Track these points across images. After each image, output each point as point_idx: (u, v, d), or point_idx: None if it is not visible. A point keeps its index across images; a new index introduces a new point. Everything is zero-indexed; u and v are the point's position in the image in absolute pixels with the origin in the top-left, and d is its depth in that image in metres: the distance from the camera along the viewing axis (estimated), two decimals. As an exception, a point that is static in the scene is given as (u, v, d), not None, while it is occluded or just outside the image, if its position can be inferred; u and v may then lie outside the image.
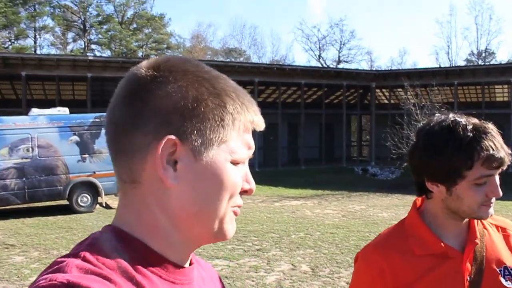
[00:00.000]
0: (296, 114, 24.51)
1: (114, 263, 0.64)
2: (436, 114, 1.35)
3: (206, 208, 0.69)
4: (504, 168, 1.24)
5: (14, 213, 11.49)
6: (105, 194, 11.96)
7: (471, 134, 1.21)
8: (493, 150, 1.19)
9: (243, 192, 0.73)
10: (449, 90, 22.86)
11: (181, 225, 0.70)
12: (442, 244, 1.28)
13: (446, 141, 1.23)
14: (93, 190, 11.80)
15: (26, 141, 11.13)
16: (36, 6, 41.04)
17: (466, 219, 1.32)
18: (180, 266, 0.72)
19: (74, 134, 11.63)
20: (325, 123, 24.87)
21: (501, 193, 1.24)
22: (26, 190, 11.09)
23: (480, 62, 44.31)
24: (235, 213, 0.73)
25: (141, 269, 0.66)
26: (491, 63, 41.28)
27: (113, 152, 0.70)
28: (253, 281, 6.06)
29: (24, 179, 11.07)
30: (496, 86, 24.82)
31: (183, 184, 0.68)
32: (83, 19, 43.10)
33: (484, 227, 1.36)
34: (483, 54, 46.60)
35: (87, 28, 43.39)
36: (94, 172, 11.77)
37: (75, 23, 43.89)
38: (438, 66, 37.11)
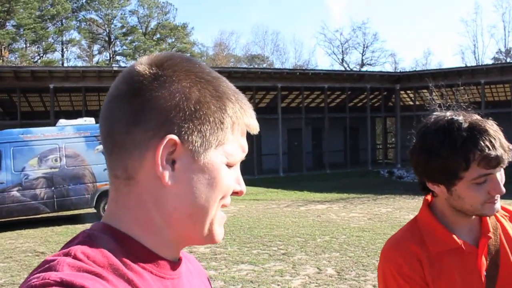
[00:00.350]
0: (320, 119, 24.39)
1: (105, 260, 0.64)
2: (434, 113, 1.32)
3: (201, 209, 0.70)
4: (504, 165, 1.21)
5: (44, 222, 11.75)
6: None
7: (465, 134, 1.18)
8: (489, 149, 1.16)
9: (234, 193, 0.74)
10: (475, 89, 22.41)
11: (174, 224, 0.70)
12: (457, 239, 1.26)
13: (441, 142, 1.21)
14: (119, 198, 11.95)
15: (54, 151, 11.38)
16: (63, 20, 42.16)
17: None
18: (170, 262, 0.72)
19: (100, 143, 11.81)
20: (350, 127, 24.68)
21: (503, 190, 1.21)
22: (55, 199, 11.33)
23: (508, 60, 43.30)
24: (223, 219, 0.74)
25: (132, 265, 0.66)
26: (520, 61, 40.27)
27: (109, 148, 0.70)
28: (278, 285, 6.04)
29: (53, 188, 11.32)
30: (525, 84, 24.21)
31: (180, 184, 0.68)
32: (108, 31, 44.05)
33: (498, 220, 1.33)
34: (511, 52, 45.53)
35: (112, 40, 44.32)
36: (120, 180, 11.93)
37: (100, 35, 44.90)
38: (464, 65, 36.43)
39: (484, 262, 1.25)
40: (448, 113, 1.27)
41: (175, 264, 0.73)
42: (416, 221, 1.36)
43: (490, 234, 1.27)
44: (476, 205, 1.21)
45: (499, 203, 1.24)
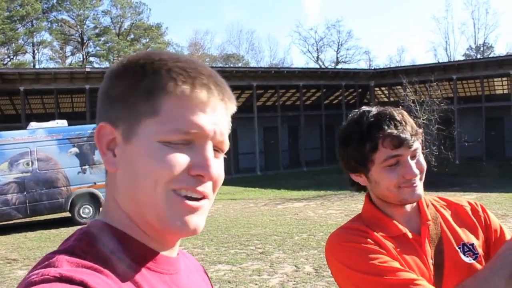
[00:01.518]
0: (296, 117, 24.49)
1: (102, 256, 0.65)
2: (353, 111, 1.38)
3: (141, 192, 0.67)
4: (413, 148, 1.24)
5: (16, 228, 11.48)
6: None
7: (372, 120, 1.25)
8: (391, 129, 1.22)
9: (198, 176, 0.67)
10: (448, 85, 22.80)
11: (129, 212, 0.70)
12: (400, 226, 1.28)
13: (352, 131, 1.28)
14: (94, 201, 11.77)
15: (25, 155, 11.12)
16: (34, 21, 41.25)
17: (413, 205, 1.32)
18: (168, 257, 0.72)
19: (74, 146, 11.62)
20: (325, 124, 24.84)
21: (416, 173, 1.24)
22: (27, 204, 11.07)
23: (478, 56, 44.26)
24: (184, 204, 0.67)
25: (128, 261, 0.67)
26: (490, 56, 41.24)
27: None
28: (256, 284, 6.02)
29: (25, 193, 11.06)
30: (495, 79, 24.76)
31: (122, 169, 0.69)
32: (80, 32, 43.32)
33: (437, 210, 1.36)
34: (481, 48, 46.59)
35: (85, 41, 43.60)
36: (95, 183, 11.75)
37: (72, 36, 44.13)
38: (436, 62, 37.05)
39: (428, 249, 1.26)
40: (363, 107, 1.34)
41: (173, 259, 0.74)
42: (360, 215, 1.38)
43: (429, 223, 1.29)
44: (391, 188, 1.24)
45: (420, 189, 1.26)
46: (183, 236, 0.71)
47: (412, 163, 1.25)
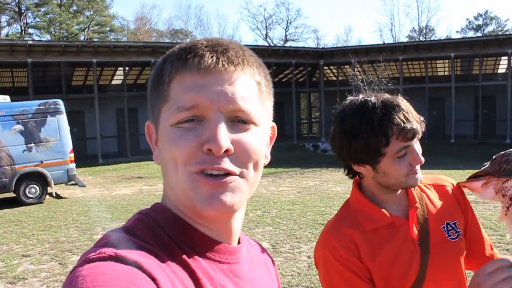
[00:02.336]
0: (247, 94, 24.46)
1: (159, 238, 0.67)
2: (347, 98, 1.38)
3: (168, 178, 0.70)
4: (419, 136, 1.29)
5: (-43, 209, 10.90)
6: (55, 184, 11.54)
7: (380, 112, 1.25)
8: (404, 123, 1.24)
9: (209, 151, 0.65)
10: (394, 65, 23.50)
11: (173, 200, 0.72)
12: (388, 215, 1.33)
13: (359, 123, 1.26)
14: (41, 180, 11.35)
15: (-35, 133, 10.52)
16: (-36, -12, 38.47)
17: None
18: (227, 246, 0.72)
19: (18, 123, 11.09)
20: (275, 102, 24.52)
21: (422, 160, 1.29)
22: (-32, 184, 10.53)
23: (421, 38, 45.75)
24: (204, 182, 0.66)
25: (185, 247, 0.68)
26: (432, 39, 42.72)
27: None
28: (214, 261, 6.07)
29: (-35, 172, 10.50)
30: (437, 61, 25.75)
31: (160, 160, 0.73)
32: (17, 1, 40.82)
33: (422, 190, 1.42)
34: (424, 31, 48.15)
35: (22, 11, 41.17)
36: (42, 162, 11.31)
37: (8, 5, 41.52)
38: (382, 42, 38.02)
39: (415, 231, 1.32)
40: (360, 96, 1.34)
41: (233, 248, 0.73)
42: (348, 203, 1.42)
43: (417, 205, 1.36)
44: (401, 177, 1.28)
45: (420, 173, 1.32)
46: (217, 216, 0.68)
47: (418, 148, 1.30)
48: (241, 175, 0.68)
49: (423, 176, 1.48)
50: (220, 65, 0.67)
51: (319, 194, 10.86)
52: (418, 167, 1.31)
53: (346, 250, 1.29)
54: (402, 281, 1.29)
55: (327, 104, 24.09)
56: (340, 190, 11.24)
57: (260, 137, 0.71)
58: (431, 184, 1.46)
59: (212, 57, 0.68)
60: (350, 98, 1.37)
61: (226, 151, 0.65)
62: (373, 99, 1.29)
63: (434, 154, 17.53)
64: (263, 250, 0.90)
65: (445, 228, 1.36)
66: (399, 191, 1.36)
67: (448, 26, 74.02)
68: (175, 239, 0.68)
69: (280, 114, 27.09)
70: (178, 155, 0.66)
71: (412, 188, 1.38)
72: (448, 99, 23.20)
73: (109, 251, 0.60)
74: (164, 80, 0.69)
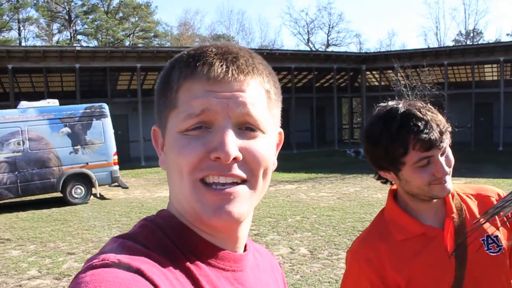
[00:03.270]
0: (287, 99, 24.43)
1: (163, 245, 0.66)
2: (379, 104, 1.37)
3: (173, 185, 0.70)
4: (442, 147, 1.25)
5: (8, 208, 11.40)
6: (99, 185, 11.89)
7: (400, 121, 1.24)
8: (421, 133, 1.21)
9: (217, 159, 0.65)
10: (439, 70, 22.92)
11: (177, 207, 0.72)
12: (419, 225, 1.30)
13: (380, 131, 1.27)
14: (86, 181, 11.71)
15: (16, 135, 11.00)
16: (19, -3, 40.31)
17: None
18: (232, 253, 0.72)
19: (65, 125, 11.51)
20: (316, 107, 24.87)
21: (447, 171, 1.26)
22: (18, 184, 10.99)
23: (468, 42, 44.42)
24: (209, 190, 0.65)
25: (189, 255, 0.67)
26: (479, 42, 41.37)
27: None
28: (252, 265, 6.07)
29: (16, 173, 10.97)
30: (485, 66, 24.91)
31: (166, 166, 0.72)
32: (68, 9, 42.47)
33: (463, 200, 1.37)
34: (471, 34, 46.71)
35: (72, 18, 42.79)
36: (87, 163, 11.68)
37: (59, 13, 43.27)
38: (427, 47, 37.15)
39: (451, 243, 1.28)
40: (391, 102, 1.32)
41: (238, 256, 0.73)
42: (383, 213, 1.40)
43: (454, 215, 1.31)
44: (423, 187, 1.25)
45: (450, 184, 1.28)
46: (224, 227, 0.68)
47: (442, 161, 1.26)
48: (249, 183, 0.68)
49: (466, 186, 1.44)
50: (229, 74, 0.67)
51: (359, 200, 10.70)
52: (447, 177, 1.27)
53: (367, 263, 1.28)
54: None
55: (369, 110, 23.65)
56: (381, 197, 11.03)
57: (268, 144, 0.71)
58: (474, 194, 1.41)
59: (221, 65, 0.67)
60: (381, 104, 1.36)
61: (234, 158, 0.65)
62: (400, 106, 1.28)
63: (481, 162, 16.96)
64: (271, 256, 0.90)
65: (485, 241, 1.30)
66: (434, 200, 1.32)
67: (498, 29, 71.53)
68: (180, 246, 0.67)
69: (321, 119, 26.92)
70: (184, 163, 0.66)
71: (451, 198, 1.34)
72: (496, 105, 22.37)
73: (112, 257, 0.60)
74: (172, 87, 0.69)
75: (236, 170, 0.66)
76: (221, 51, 0.69)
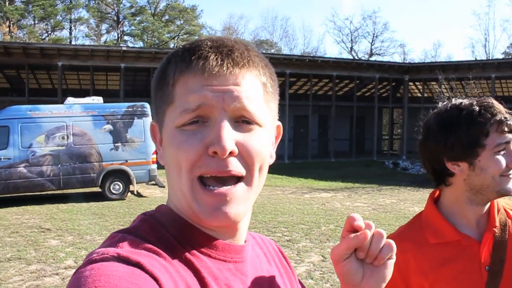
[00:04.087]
0: (327, 107, 24.31)
1: (163, 239, 0.67)
2: (439, 104, 1.36)
3: (172, 182, 0.70)
4: None
5: (49, 199, 11.82)
6: (137, 183, 12.15)
7: (477, 108, 1.23)
8: (503, 115, 1.22)
9: (215, 154, 0.65)
10: (485, 83, 22.21)
11: (175, 203, 0.72)
12: (456, 231, 1.26)
13: (458, 116, 1.24)
14: (125, 178, 11.99)
15: (61, 129, 11.40)
16: (72, -2, 41.88)
17: (487, 207, 1.29)
18: (231, 245, 0.72)
19: (108, 123, 11.83)
20: (356, 116, 24.59)
21: None
22: (61, 177, 11.38)
23: (519, 55, 42.86)
24: (207, 190, 0.65)
25: (190, 248, 0.67)
26: (531, 56, 39.84)
27: None
28: (282, 271, 6.05)
29: (59, 166, 11.36)
30: (535, 80, 23.99)
31: (165, 162, 0.72)
32: (116, 10, 43.80)
33: (509, 216, 1.32)
34: (523, 47, 45.04)
35: (120, 19, 44.09)
36: (126, 161, 11.97)
37: (109, 14, 44.67)
38: (474, 59, 36.11)
39: (487, 256, 1.23)
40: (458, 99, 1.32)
41: (238, 247, 0.73)
42: (420, 215, 1.37)
43: (496, 229, 1.26)
44: (497, 176, 1.21)
45: None
46: (218, 226, 0.69)
47: None
48: (245, 180, 0.67)
49: None
50: (224, 67, 0.66)
51: (395, 212, 10.48)
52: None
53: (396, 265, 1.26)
54: None
55: (410, 121, 23.25)
56: (418, 210, 10.66)
57: (265, 138, 0.70)
58: None
59: (216, 59, 0.66)
60: (442, 103, 1.36)
61: (230, 152, 0.65)
62: (465, 100, 1.28)
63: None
64: (269, 243, 0.89)
65: None
66: (485, 208, 1.28)
67: (551, 44, 68.65)
68: (179, 239, 0.68)
69: (361, 128, 26.59)
70: (183, 160, 0.66)
71: (496, 211, 1.30)
72: (546, 122, 21.47)
73: (111, 251, 0.60)
74: (168, 82, 0.69)
75: (234, 167, 0.65)
76: (216, 44, 0.68)
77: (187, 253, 0.66)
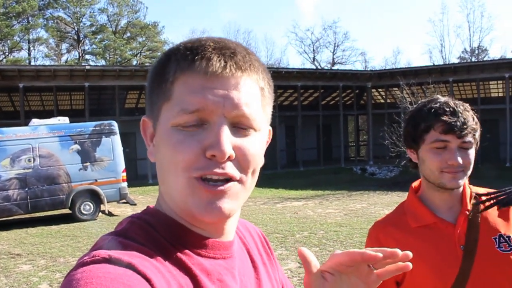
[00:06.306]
0: (293, 116, 24.59)
1: (153, 239, 0.67)
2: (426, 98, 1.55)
3: (166, 179, 0.69)
4: (462, 139, 1.35)
5: (17, 224, 11.51)
6: (108, 202, 11.99)
7: (436, 106, 1.39)
8: (445, 116, 1.35)
9: (213, 157, 0.66)
10: (444, 87, 22.99)
11: (167, 201, 0.72)
12: (432, 215, 1.42)
13: (415, 111, 1.46)
14: (95, 198, 11.81)
15: (27, 152, 11.16)
16: (30, 18, 41.06)
17: (457, 192, 1.42)
18: (220, 242, 0.72)
19: (75, 143, 11.67)
20: (322, 124, 24.96)
21: (459, 161, 1.34)
22: (28, 200, 11.11)
23: (473, 59, 44.57)
24: (205, 189, 0.66)
25: (180, 247, 0.68)
26: (484, 59, 41.51)
27: None
28: (261, 280, 6.11)
29: (26, 189, 11.10)
30: (490, 82, 24.99)
31: (156, 159, 0.72)
32: (76, 29, 43.16)
33: (482, 202, 1.45)
34: (476, 51, 46.87)
35: (81, 38, 43.45)
36: (96, 180, 11.80)
37: (69, 34, 43.96)
38: (432, 64, 37.34)
39: (461, 237, 1.37)
40: (437, 95, 1.50)
41: (227, 243, 0.74)
42: (403, 204, 1.54)
43: (468, 212, 1.40)
44: (434, 170, 1.37)
45: (461, 179, 1.37)
46: (212, 222, 0.70)
47: (458, 152, 1.36)
48: (240, 181, 0.68)
49: (487, 190, 1.51)
50: (227, 70, 0.67)
51: (367, 216, 10.71)
52: (459, 172, 1.36)
53: (377, 243, 1.42)
54: (437, 282, 1.34)
55: (375, 127, 23.80)
56: (388, 213, 11.02)
57: (260, 142, 0.71)
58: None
59: (219, 61, 0.67)
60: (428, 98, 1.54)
61: (228, 157, 0.66)
62: (443, 99, 1.43)
63: (488, 178, 16.87)
64: (256, 231, 0.91)
65: (496, 239, 1.37)
66: (453, 192, 1.41)
67: (503, 46, 71.74)
68: (169, 239, 0.68)
69: (328, 136, 26.98)
70: (179, 160, 0.65)
71: (468, 197, 1.43)
72: (503, 121, 22.38)
73: (103, 253, 0.60)
74: (168, 79, 0.68)
75: (229, 169, 0.66)
76: (219, 45, 0.68)
77: (178, 253, 0.67)
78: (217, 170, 0.65)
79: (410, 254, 0.66)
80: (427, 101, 1.46)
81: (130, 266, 0.59)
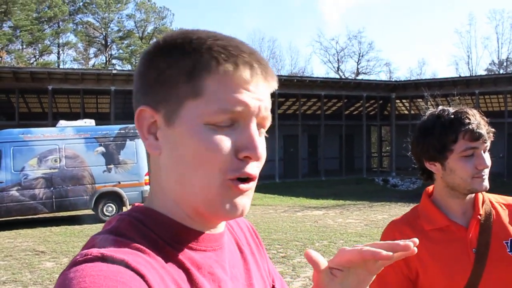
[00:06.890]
0: (316, 126, 24.56)
1: (144, 236, 0.66)
2: (430, 110, 1.55)
3: (190, 175, 0.67)
4: (487, 143, 1.42)
5: (41, 222, 11.78)
6: (130, 204, 12.14)
7: (453, 116, 1.42)
8: (471, 125, 1.39)
9: (247, 158, 0.67)
10: (470, 99, 22.66)
11: (174, 196, 0.70)
12: (446, 219, 1.45)
13: (433, 123, 1.45)
14: (118, 200, 12.01)
15: (54, 152, 11.44)
16: (60, 23, 42.15)
17: (470, 197, 1.47)
18: (210, 234, 0.72)
19: (100, 145, 11.90)
20: (345, 134, 24.84)
21: (488, 164, 1.40)
22: (53, 200, 11.37)
23: (501, 71, 43.80)
24: (237, 188, 0.67)
25: (171, 242, 0.68)
26: (513, 72, 40.76)
27: None
28: (279, 286, 6.11)
29: (52, 188, 11.35)
30: (518, 95, 24.52)
31: (165, 152, 0.69)
32: (104, 34, 44.09)
33: (493, 206, 1.49)
34: (505, 63, 46.07)
35: (108, 43, 44.35)
36: (119, 182, 12.00)
37: (97, 38, 44.94)
38: (458, 76, 36.83)
39: (473, 240, 1.40)
40: (440, 107, 1.53)
41: (217, 235, 0.74)
42: (417, 207, 1.57)
43: (480, 217, 1.43)
44: (466, 177, 1.40)
45: (487, 181, 1.42)
46: (229, 219, 0.72)
47: (485, 156, 1.41)
48: (256, 180, 0.70)
49: (500, 196, 1.57)
50: (265, 78, 0.69)
51: (388, 227, 10.60)
52: (485, 175, 1.41)
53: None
54: (449, 284, 1.37)
55: (398, 138, 23.55)
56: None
57: None
58: (506, 204, 1.53)
59: (259, 67, 0.69)
60: (432, 110, 1.55)
61: None
62: (450, 108, 1.47)
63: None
64: (244, 222, 0.91)
65: (508, 244, 1.40)
66: (467, 198, 1.46)
67: (532, 60, 70.27)
68: (160, 234, 0.68)
69: (350, 146, 26.82)
70: (213, 159, 0.65)
71: (480, 202, 1.47)
72: (530, 135, 21.92)
73: (95, 252, 0.60)
74: (192, 71, 0.66)
75: (256, 170, 0.68)
76: (251, 51, 0.69)
77: (169, 247, 0.67)
78: (248, 171, 0.66)
79: (416, 240, 0.68)
80: (437, 113, 1.47)
81: (123, 263, 0.58)
